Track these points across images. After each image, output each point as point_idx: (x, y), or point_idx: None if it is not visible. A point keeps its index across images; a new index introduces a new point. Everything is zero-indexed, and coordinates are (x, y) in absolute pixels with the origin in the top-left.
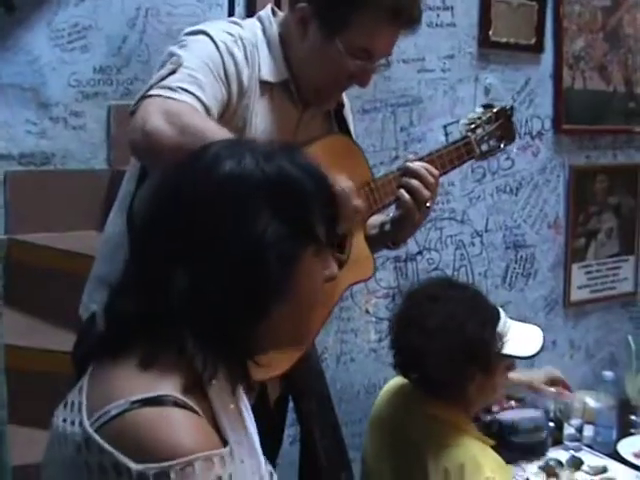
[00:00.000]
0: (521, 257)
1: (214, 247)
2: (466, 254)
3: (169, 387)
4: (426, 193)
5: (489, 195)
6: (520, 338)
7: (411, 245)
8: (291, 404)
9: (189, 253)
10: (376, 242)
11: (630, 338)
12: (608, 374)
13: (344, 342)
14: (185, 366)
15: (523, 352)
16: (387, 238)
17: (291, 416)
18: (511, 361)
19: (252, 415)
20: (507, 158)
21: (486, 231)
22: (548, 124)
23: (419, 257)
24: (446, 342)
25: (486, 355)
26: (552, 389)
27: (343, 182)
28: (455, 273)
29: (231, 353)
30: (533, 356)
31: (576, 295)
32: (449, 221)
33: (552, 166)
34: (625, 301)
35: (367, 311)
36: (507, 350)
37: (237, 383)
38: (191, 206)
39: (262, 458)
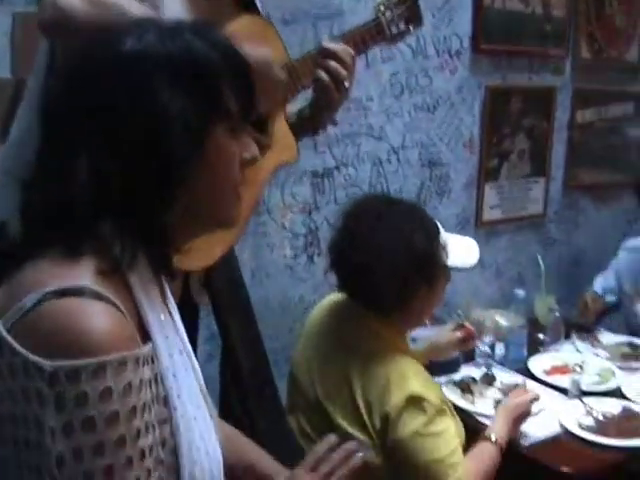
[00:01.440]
0: (436, 175)
1: (116, 127)
2: (382, 170)
3: (86, 277)
4: (344, 73)
5: (407, 112)
6: (458, 250)
7: (328, 160)
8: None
9: (92, 135)
10: (296, 129)
11: (539, 258)
12: (519, 292)
13: (259, 257)
14: (103, 255)
15: (464, 263)
16: (307, 124)
17: (205, 332)
18: (449, 273)
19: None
20: (425, 75)
21: (402, 148)
22: (466, 43)
23: (336, 173)
24: (395, 258)
25: (433, 268)
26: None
27: (261, 53)
28: (371, 189)
29: (148, 238)
30: (473, 267)
31: (488, 215)
32: (366, 137)
33: (469, 85)
34: (535, 222)
35: (283, 226)
36: (450, 262)
37: (159, 271)
38: (92, 85)
39: (193, 354)
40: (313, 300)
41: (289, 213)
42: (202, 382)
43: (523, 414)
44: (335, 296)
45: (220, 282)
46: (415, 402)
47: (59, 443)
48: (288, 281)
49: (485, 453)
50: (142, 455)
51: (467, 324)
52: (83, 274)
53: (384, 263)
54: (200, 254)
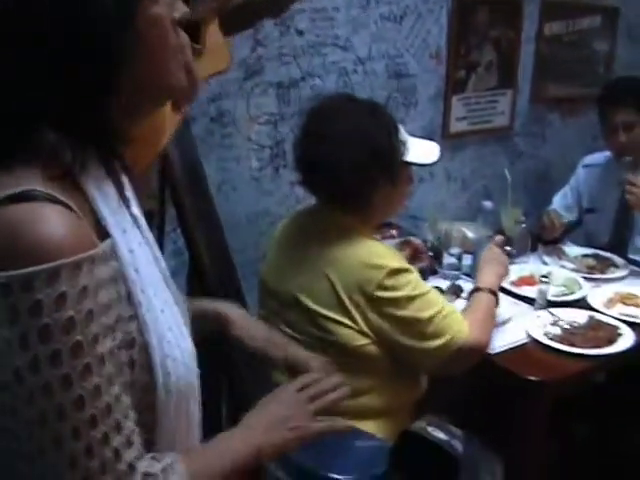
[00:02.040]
0: (402, 87)
1: (39, 21)
2: (349, 81)
3: (35, 181)
4: None
5: (373, 23)
6: (418, 148)
7: (294, 71)
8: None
9: (17, 35)
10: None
11: (506, 171)
12: (487, 204)
13: (225, 170)
14: (51, 161)
15: (424, 160)
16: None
17: (171, 247)
18: (411, 173)
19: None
20: None
21: (369, 59)
22: None
23: (302, 83)
24: (355, 150)
25: (392, 162)
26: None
27: None
28: None
29: (95, 134)
30: (433, 164)
31: (454, 127)
32: (332, 47)
33: None
34: (501, 135)
35: (249, 138)
36: (409, 158)
37: (111, 166)
38: None
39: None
40: (279, 213)
41: (255, 125)
42: (167, 272)
43: (502, 261)
44: (302, 208)
45: (186, 194)
46: (395, 274)
47: (16, 357)
48: (254, 194)
49: (482, 302)
50: (101, 361)
51: (412, 239)
52: (31, 180)
53: (344, 154)
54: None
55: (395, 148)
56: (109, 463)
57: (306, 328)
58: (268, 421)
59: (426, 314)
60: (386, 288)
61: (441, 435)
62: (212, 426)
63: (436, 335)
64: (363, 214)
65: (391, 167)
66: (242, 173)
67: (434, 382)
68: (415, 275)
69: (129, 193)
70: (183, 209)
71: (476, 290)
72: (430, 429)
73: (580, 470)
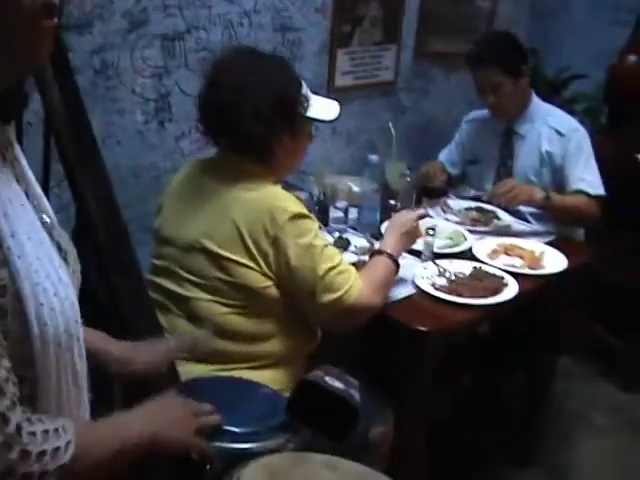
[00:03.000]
0: (288, 40)
1: None
2: (234, 34)
3: None
4: None
5: None
6: (319, 105)
7: (179, 23)
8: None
9: None
10: None
11: (390, 125)
12: (373, 157)
13: (109, 124)
14: None
15: (325, 116)
16: None
17: (56, 203)
18: (311, 129)
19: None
20: None
21: (255, 12)
22: None
23: (187, 36)
24: (258, 99)
25: (294, 114)
26: None
27: None
28: None
29: None
30: (333, 121)
31: (340, 81)
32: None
33: None
34: (386, 89)
35: (133, 91)
36: (311, 114)
37: None
38: None
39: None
40: (165, 167)
41: (139, 78)
42: (51, 215)
43: (411, 230)
44: (200, 158)
45: (71, 145)
46: (298, 218)
47: None
48: (139, 148)
49: (380, 265)
50: None
51: (299, 193)
52: None
53: (247, 102)
54: None
55: (298, 101)
56: None
57: (210, 272)
58: (174, 416)
59: (322, 267)
60: (288, 233)
61: (339, 384)
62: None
63: (329, 289)
64: (266, 166)
65: (293, 119)
66: (127, 127)
67: (327, 333)
68: (316, 225)
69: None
70: (68, 161)
71: (377, 253)
72: (328, 379)
73: (465, 417)
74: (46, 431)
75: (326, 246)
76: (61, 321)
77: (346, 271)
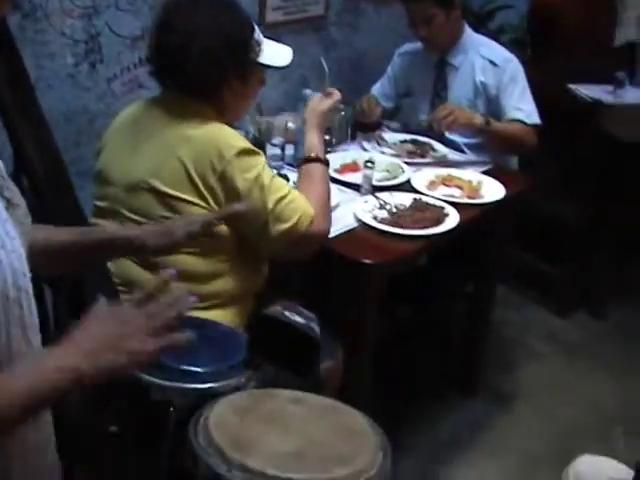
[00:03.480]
0: None
1: None
2: None
3: None
4: None
5: None
6: (272, 51)
7: None
8: None
9: None
10: None
11: (323, 60)
12: (307, 92)
13: (40, 67)
14: None
15: (277, 62)
16: None
17: None
18: (263, 75)
19: None
20: None
21: None
22: None
23: None
24: (208, 40)
25: (244, 57)
26: None
27: None
28: None
29: None
30: (285, 67)
31: (271, 16)
32: None
33: None
34: (316, 24)
35: (63, 33)
36: (263, 59)
37: None
38: None
39: None
40: (98, 110)
41: (68, 19)
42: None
43: (325, 115)
44: (145, 99)
45: (6, 87)
46: (245, 154)
47: None
48: (71, 91)
49: (317, 176)
50: None
51: None
52: None
53: (198, 43)
54: None
55: (249, 45)
56: None
57: (156, 212)
58: (97, 341)
59: (272, 198)
60: (235, 167)
61: (298, 318)
62: None
63: (281, 219)
64: (214, 109)
65: (243, 63)
66: (57, 70)
67: (273, 269)
68: (263, 159)
69: None
70: (4, 103)
71: (307, 160)
72: (287, 313)
73: (404, 349)
74: None
75: (274, 177)
76: (9, 274)
77: (295, 199)
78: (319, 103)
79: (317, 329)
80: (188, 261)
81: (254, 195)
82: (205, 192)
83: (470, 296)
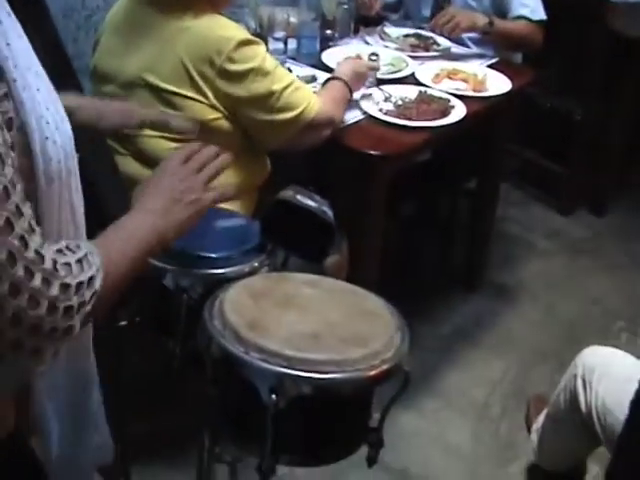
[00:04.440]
0: None
1: None
2: None
3: None
4: None
5: None
6: None
7: None
8: None
9: None
10: None
11: None
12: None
13: None
14: None
15: None
16: None
17: None
18: None
19: None
20: None
21: None
22: None
23: None
24: None
25: None
26: None
27: None
28: None
29: None
30: None
31: None
32: None
33: None
34: None
35: None
36: None
37: None
38: None
39: None
40: (95, 5)
41: None
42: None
43: (362, 73)
44: None
45: None
46: (245, 45)
47: None
48: None
49: (335, 86)
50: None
51: None
52: None
53: None
54: None
55: None
56: (17, 251)
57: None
58: (165, 200)
59: (277, 86)
60: (235, 60)
61: (311, 202)
62: None
63: (288, 108)
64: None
65: None
66: None
67: (276, 162)
68: (264, 48)
69: None
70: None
71: (331, 79)
72: (299, 197)
73: (409, 245)
74: (79, 260)
75: (277, 67)
76: (62, 155)
77: (302, 88)
78: (361, 61)
79: (330, 212)
80: None
81: (258, 85)
82: (204, 87)
83: (473, 192)
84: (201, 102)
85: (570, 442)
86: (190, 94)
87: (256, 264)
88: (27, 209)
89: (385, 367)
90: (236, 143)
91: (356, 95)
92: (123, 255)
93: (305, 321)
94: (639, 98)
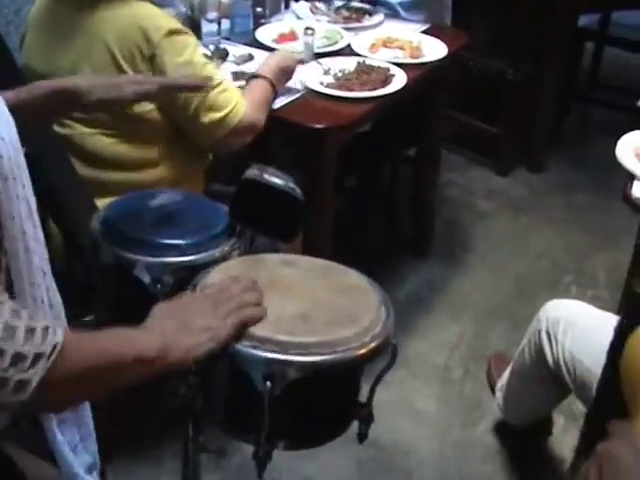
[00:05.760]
0: None
1: None
2: None
3: None
4: None
5: None
6: None
7: None
8: None
9: None
10: None
11: None
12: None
13: None
14: None
15: None
16: None
17: None
18: None
19: None
20: None
21: None
22: None
23: None
24: None
25: None
26: None
27: None
28: None
29: None
30: None
31: None
32: None
33: None
34: None
35: None
36: None
37: None
38: None
39: None
40: None
41: None
42: None
43: (288, 68)
44: None
45: None
46: (174, 34)
47: None
48: None
49: (258, 86)
50: None
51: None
52: None
53: None
54: None
55: None
56: None
57: None
58: (182, 322)
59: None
60: (165, 50)
61: (277, 180)
62: None
63: (212, 109)
64: None
65: None
66: None
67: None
68: (194, 40)
69: None
70: None
71: (254, 77)
72: (266, 175)
73: (355, 218)
74: (32, 330)
75: (206, 64)
76: (12, 152)
77: (229, 90)
78: (287, 55)
79: (298, 190)
80: (123, 150)
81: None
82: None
83: (413, 159)
84: None
85: (537, 396)
86: None
87: (227, 248)
88: None
89: (375, 343)
90: (170, 136)
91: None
92: (94, 351)
93: (291, 303)
94: (567, 52)
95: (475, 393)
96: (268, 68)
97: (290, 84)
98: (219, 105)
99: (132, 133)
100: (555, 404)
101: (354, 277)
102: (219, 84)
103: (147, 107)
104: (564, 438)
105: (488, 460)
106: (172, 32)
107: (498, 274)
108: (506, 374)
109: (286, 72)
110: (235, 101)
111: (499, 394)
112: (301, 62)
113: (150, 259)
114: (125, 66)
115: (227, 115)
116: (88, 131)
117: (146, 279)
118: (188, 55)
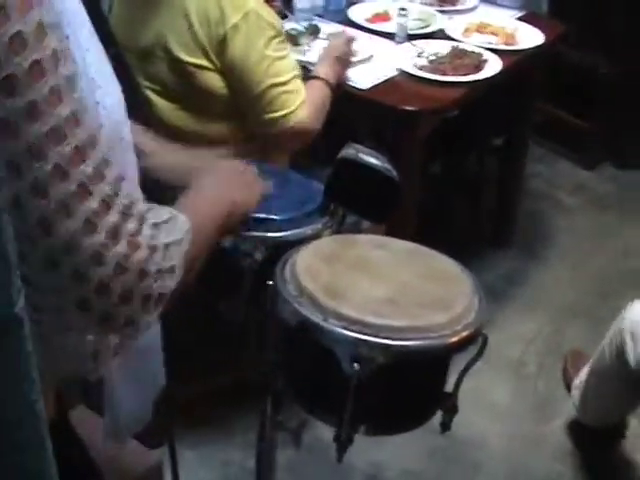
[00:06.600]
0: None
1: None
2: None
3: None
4: None
5: None
6: None
7: None
8: None
9: None
10: None
11: None
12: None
13: None
14: None
15: None
16: None
17: None
18: None
19: None
20: None
21: None
22: None
23: None
24: None
25: None
26: None
27: None
28: None
29: None
30: None
31: None
32: None
33: None
34: None
35: None
36: None
37: None
38: None
39: None
40: None
41: None
42: None
43: (344, 54)
44: None
45: None
46: (253, 17)
47: None
48: None
49: (315, 88)
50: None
51: None
52: None
53: None
54: None
55: None
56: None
57: (170, 78)
58: (231, 182)
59: (267, 81)
60: (236, 32)
61: (374, 160)
62: None
63: (272, 106)
64: None
65: None
66: None
67: None
68: (275, 30)
69: None
70: None
71: (311, 78)
72: (362, 155)
73: (438, 205)
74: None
75: (280, 58)
76: (114, 122)
77: (293, 92)
78: (337, 40)
79: (394, 171)
80: (189, 123)
81: (251, 68)
82: (212, 55)
83: (500, 149)
84: (211, 70)
85: (616, 397)
86: (201, 62)
87: (319, 226)
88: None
89: (468, 332)
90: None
91: (386, 53)
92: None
93: (381, 285)
94: None
95: (549, 389)
96: (323, 66)
97: (380, 65)
98: (278, 105)
99: (202, 107)
100: (633, 407)
101: (445, 262)
102: (283, 83)
103: (223, 82)
104: (638, 442)
105: (558, 459)
106: (249, 14)
107: (579, 271)
108: (584, 372)
109: (343, 61)
110: (295, 106)
111: (575, 392)
112: (351, 40)
113: (241, 233)
114: (204, 40)
115: (284, 116)
116: (166, 105)
117: (235, 252)
118: (261, 45)
